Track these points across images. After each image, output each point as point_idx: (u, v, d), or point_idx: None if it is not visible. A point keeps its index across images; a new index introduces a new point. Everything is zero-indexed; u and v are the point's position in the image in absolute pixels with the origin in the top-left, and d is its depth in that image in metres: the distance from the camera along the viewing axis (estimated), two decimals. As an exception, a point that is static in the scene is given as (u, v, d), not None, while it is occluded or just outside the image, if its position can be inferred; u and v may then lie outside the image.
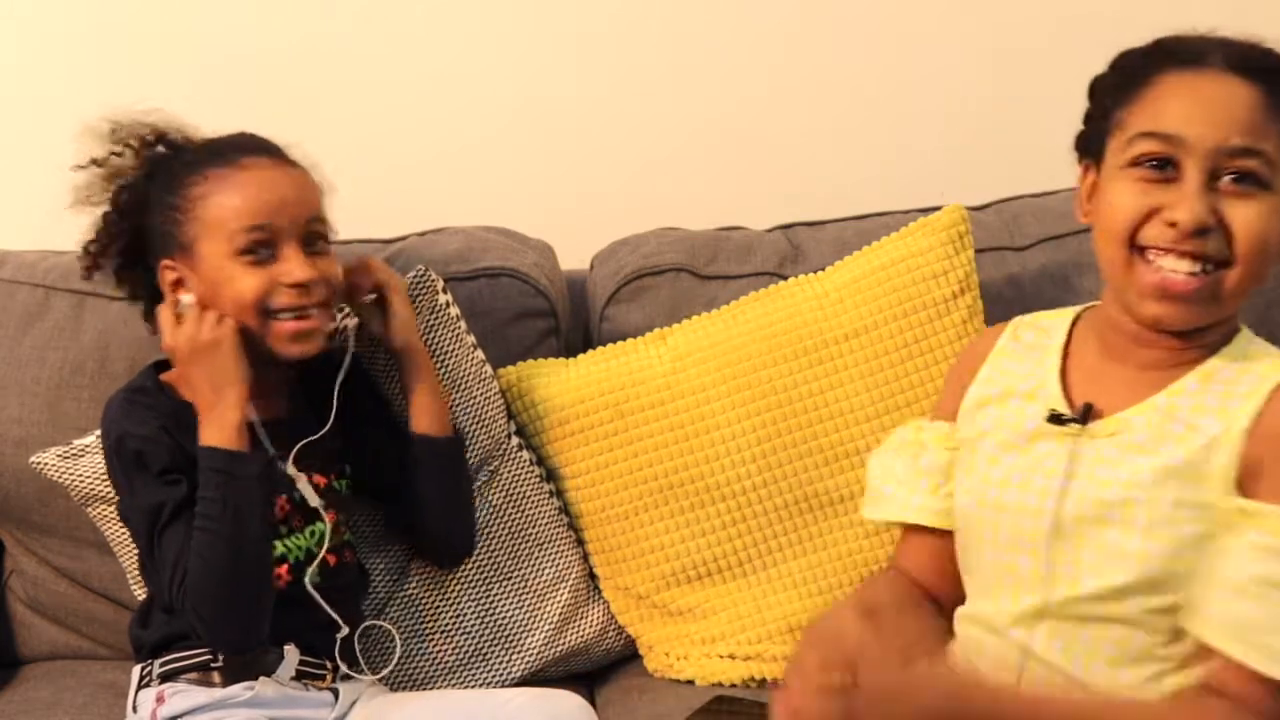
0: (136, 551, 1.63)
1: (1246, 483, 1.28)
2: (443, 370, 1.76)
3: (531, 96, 2.15)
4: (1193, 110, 1.30)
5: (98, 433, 1.67)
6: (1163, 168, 1.31)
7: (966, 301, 1.77)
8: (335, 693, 1.58)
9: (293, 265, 1.54)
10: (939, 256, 1.77)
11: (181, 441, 1.53)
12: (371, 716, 1.58)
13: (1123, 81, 1.38)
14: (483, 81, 2.15)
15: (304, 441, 1.60)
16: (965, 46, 2.18)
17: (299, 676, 1.56)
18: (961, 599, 1.48)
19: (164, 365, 1.64)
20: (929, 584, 1.52)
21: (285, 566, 1.57)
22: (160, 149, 1.64)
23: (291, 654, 1.56)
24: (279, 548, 1.57)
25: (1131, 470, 1.32)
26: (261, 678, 1.53)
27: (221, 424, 1.51)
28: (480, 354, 1.80)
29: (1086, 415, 1.36)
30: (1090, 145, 1.42)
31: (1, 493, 1.81)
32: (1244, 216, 1.29)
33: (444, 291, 1.78)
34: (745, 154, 2.18)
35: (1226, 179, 1.29)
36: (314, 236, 1.58)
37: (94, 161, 1.63)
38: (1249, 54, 1.33)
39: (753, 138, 2.18)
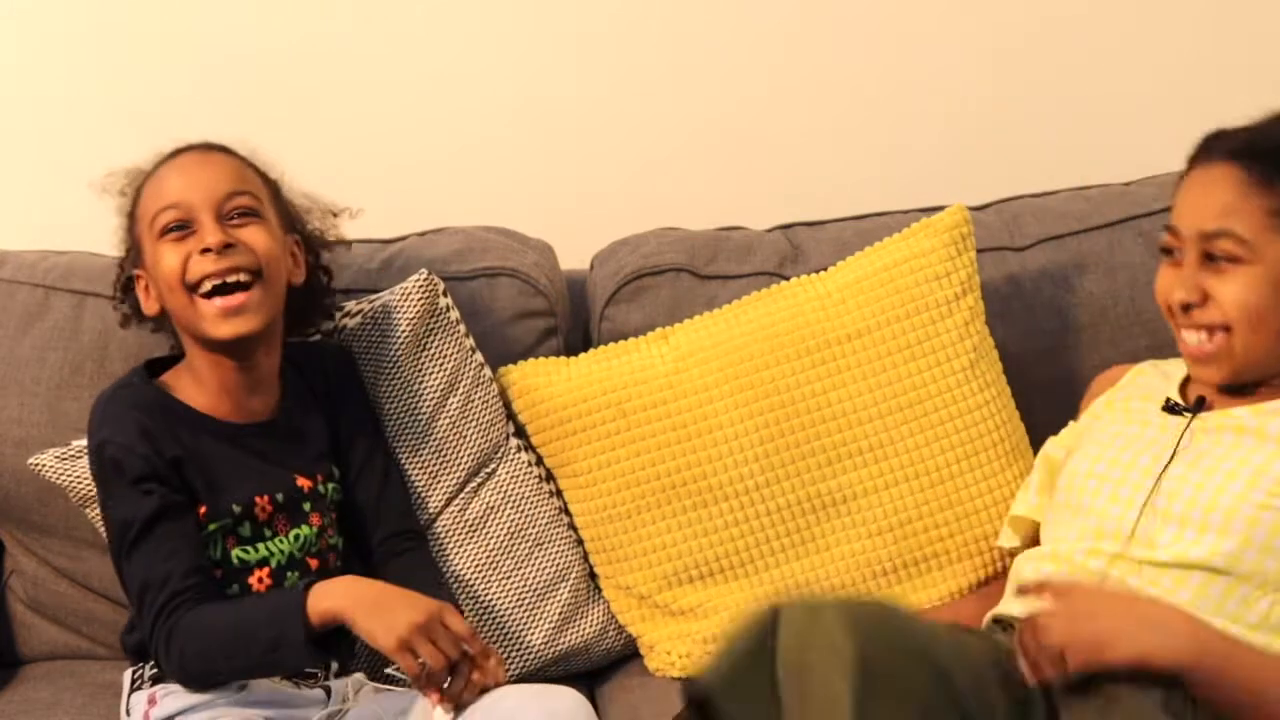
0: None
1: None
2: (441, 374, 1.76)
3: (531, 96, 2.15)
4: (1188, 202, 1.52)
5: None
6: (1172, 254, 1.53)
7: (969, 303, 1.77)
8: (327, 690, 1.58)
9: (204, 232, 1.55)
10: (941, 258, 1.77)
11: (161, 445, 1.54)
12: (370, 712, 1.58)
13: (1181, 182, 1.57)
14: (483, 81, 2.15)
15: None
16: (965, 46, 2.18)
17: (288, 676, 1.56)
18: None
19: (157, 364, 1.65)
20: None
21: (266, 570, 1.58)
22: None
23: None
24: (260, 550, 1.58)
25: (1233, 464, 1.46)
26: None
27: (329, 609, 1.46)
28: (479, 357, 1.80)
29: (1199, 406, 1.53)
30: None
31: (1, 493, 1.81)
32: (1224, 289, 1.47)
33: (444, 295, 1.78)
34: (745, 154, 2.18)
35: (1211, 259, 1.48)
36: (235, 210, 1.58)
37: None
38: (1247, 136, 1.51)
39: (753, 138, 2.17)
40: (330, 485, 1.67)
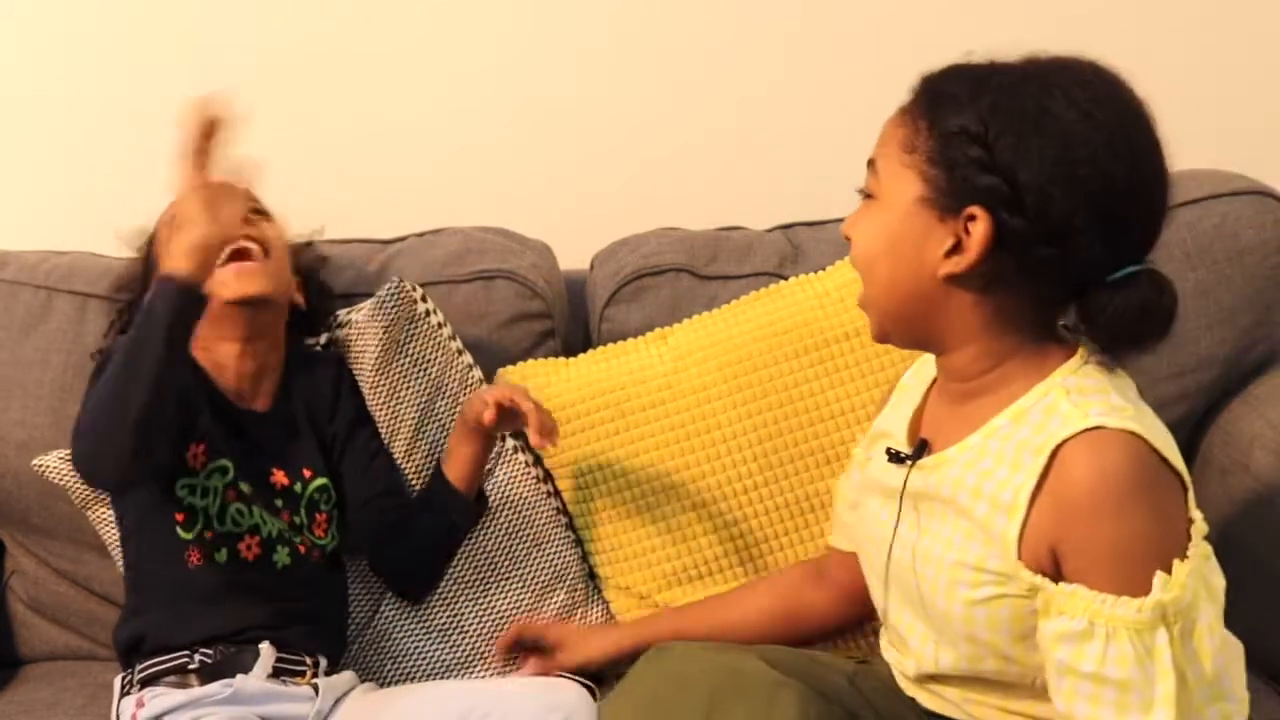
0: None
1: (1047, 554, 1.24)
2: (424, 378, 1.76)
3: (531, 96, 2.15)
4: None
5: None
6: None
7: (967, 301, 1.77)
8: (316, 688, 1.58)
9: None
10: (939, 256, 1.78)
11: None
12: (364, 709, 1.58)
13: None
14: (482, 82, 2.15)
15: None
16: (965, 46, 2.17)
17: (277, 674, 1.56)
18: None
19: None
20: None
21: (256, 539, 1.60)
22: None
23: (267, 651, 1.56)
24: (254, 515, 1.60)
25: (939, 546, 1.32)
26: (239, 675, 1.53)
27: (174, 254, 1.43)
28: (466, 358, 1.80)
29: (920, 451, 1.37)
30: None
31: (3, 494, 1.81)
32: (856, 228, 1.34)
33: (423, 300, 1.78)
34: (745, 154, 2.18)
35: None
36: (250, 209, 1.61)
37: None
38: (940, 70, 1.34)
39: (753, 138, 2.17)
40: (312, 485, 1.67)
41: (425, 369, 1.77)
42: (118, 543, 1.72)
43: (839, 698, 1.42)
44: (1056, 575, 1.24)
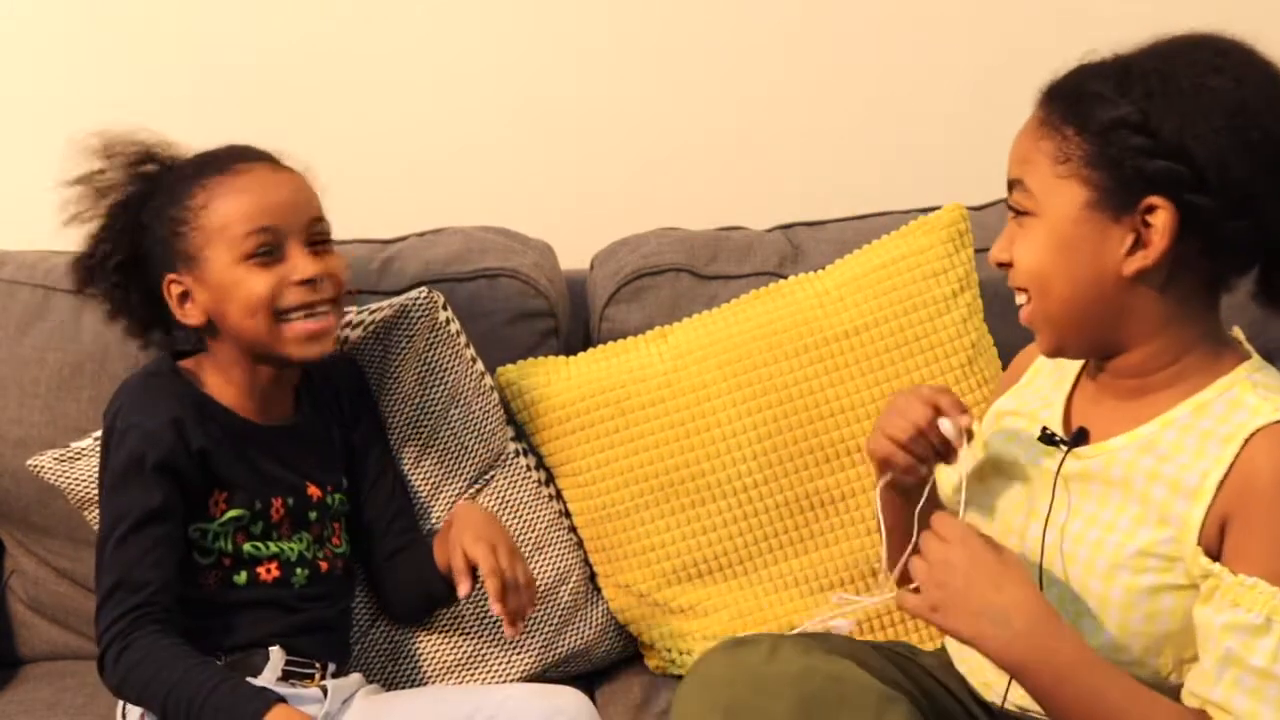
0: None
1: (1216, 540, 1.25)
2: (442, 386, 1.76)
3: (531, 96, 2.15)
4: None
5: (95, 435, 1.67)
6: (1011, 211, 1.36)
7: (966, 299, 1.78)
8: (325, 690, 1.57)
9: (300, 262, 1.54)
10: (939, 255, 1.78)
11: (190, 436, 1.53)
12: (370, 712, 1.58)
13: None
14: (482, 82, 2.15)
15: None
16: (965, 46, 2.18)
17: (286, 677, 1.56)
18: None
19: (179, 354, 1.65)
20: None
21: (275, 564, 1.58)
22: (149, 166, 1.63)
23: (277, 655, 1.56)
24: (271, 548, 1.58)
25: (1099, 531, 1.31)
26: (249, 678, 1.52)
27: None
28: (479, 366, 1.80)
29: (1078, 439, 1.36)
30: None
31: (2, 493, 1.81)
32: (1017, 247, 1.32)
33: (444, 308, 1.78)
34: (745, 154, 2.18)
35: (1011, 212, 1.33)
36: (317, 236, 1.58)
37: (80, 179, 1.63)
38: (1059, 77, 1.33)
39: (753, 138, 2.17)
40: (337, 496, 1.67)
41: (443, 377, 1.77)
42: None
43: (929, 696, 1.40)
44: (1219, 554, 1.24)
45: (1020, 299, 1.34)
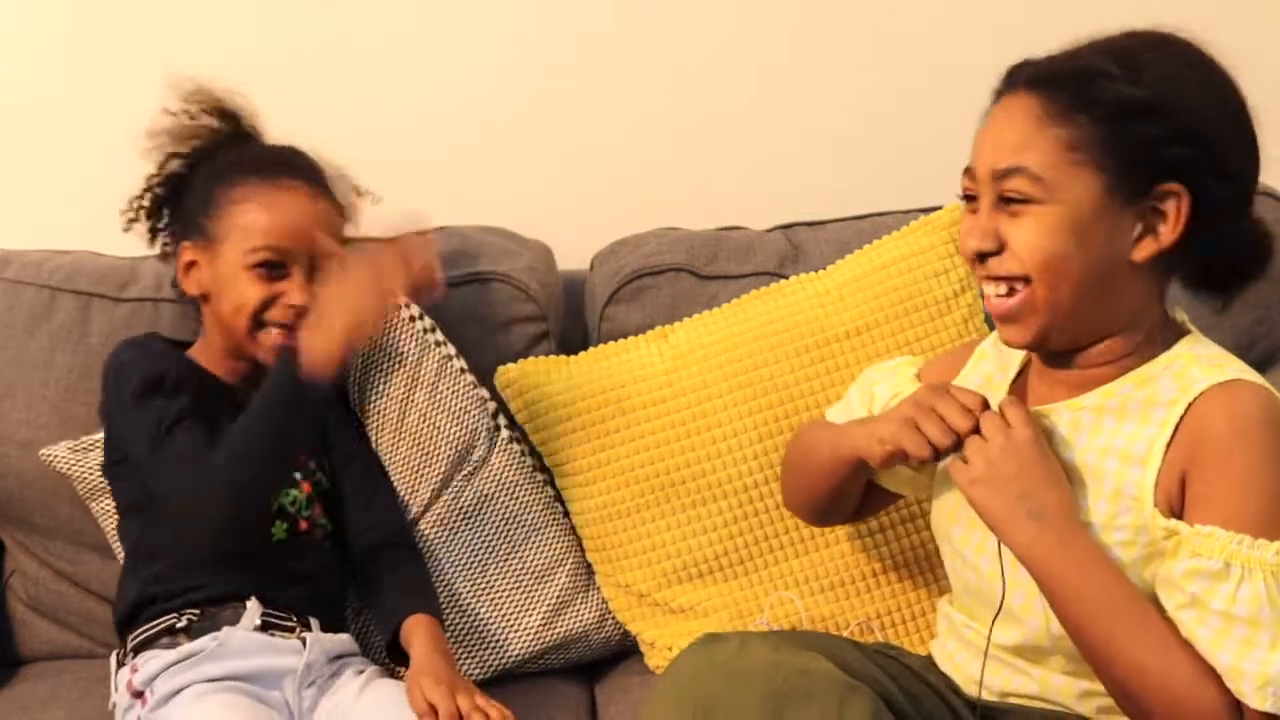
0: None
1: (1173, 496, 1.28)
2: (402, 370, 1.78)
3: (531, 96, 2.15)
4: (983, 139, 1.35)
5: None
6: (971, 200, 1.36)
7: (967, 300, 1.78)
8: (304, 642, 1.58)
9: (295, 288, 1.62)
10: (940, 255, 1.78)
11: (179, 384, 1.60)
12: (352, 700, 1.56)
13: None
14: (482, 81, 2.15)
15: None
16: (965, 46, 2.17)
17: (264, 628, 1.57)
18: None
19: (182, 345, 1.71)
20: None
21: None
22: (224, 127, 1.71)
23: (253, 606, 1.58)
24: None
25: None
26: (225, 628, 1.55)
27: (325, 348, 1.53)
28: (446, 349, 1.80)
29: None
30: None
31: (6, 494, 1.81)
32: (1017, 234, 1.30)
33: (433, 332, 1.80)
34: (745, 154, 2.17)
35: (1003, 201, 1.31)
36: (317, 265, 1.64)
37: (170, 115, 1.71)
38: (1049, 63, 1.33)
39: (753, 138, 2.17)
40: (319, 473, 1.71)
41: (400, 361, 1.78)
42: (119, 540, 1.72)
43: (912, 697, 1.41)
44: (1182, 511, 1.27)
45: (996, 288, 1.33)
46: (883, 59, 2.18)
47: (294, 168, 1.68)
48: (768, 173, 2.18)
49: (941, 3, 2.17)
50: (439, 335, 1.81)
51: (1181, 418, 1.28)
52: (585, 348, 1.86)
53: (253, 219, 1.63)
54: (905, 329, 1.76)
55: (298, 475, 1.67)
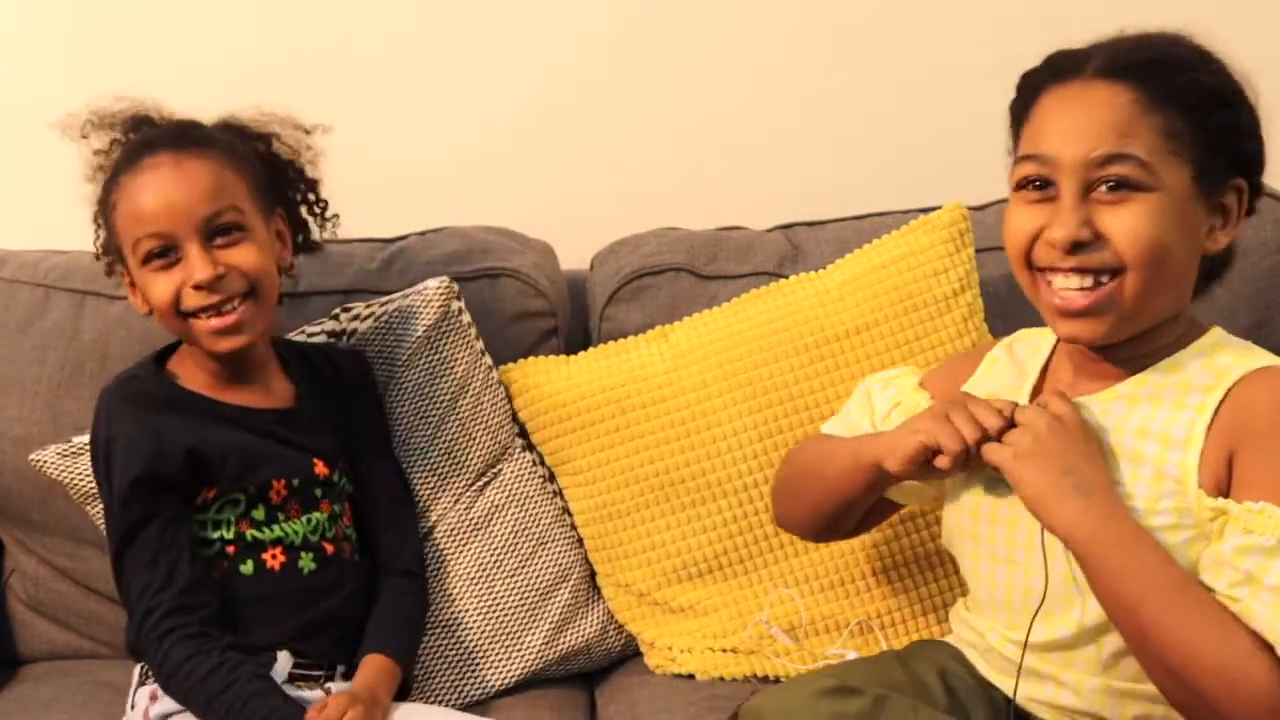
0: None
1: (1226, 481, 1.27)
2: (452, 377, 1.77)
3: (531, 96, 2.15)
4: (1064, 125, 1.31)
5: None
6: (1044, 188, 1.32)
7: (966, 299, 1.78)
8: (328, 692, 1.55)
9: (194, 265, 1.51)
10: (939, 254, 1.78)
11: (172, 439, 1.53)
12: None
13: (1019, 104, 1.41)
14: (482, 81, 2.15)
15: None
16: (965, 46, 2.18)
17: (291, 679, 1.55)
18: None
19: (168, 352, 1.64)
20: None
21: (280, 548, 1.57)
22: (125, 137, 1.61)
23: (284, 659, 1.55)
24: (275, 531, 1.57)
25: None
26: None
27: None
28: (488, 359, 1.81)
29: None
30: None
31: (2, 491, 1.81)
32: (1120, 223, 1.28)
33: (458, 298, 1.79)
34: (745, 154, 2.18)
35: (1101, 189, 1.29)
36: (220, 229, 1.53)
37: (95, 152, 1.63)
38: (1124, 53, 1.32)
39: (753, 138, 2.17)
40: (344, 478, 1.66)
41: (453, 367, 1.77)
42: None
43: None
44: (1229, 491, 1.26)
45: (1082, 281, 1.30)
46: (883, 59, 2.18)
47: (149, 143, 1.56)
48: (768, 173, 2.18)
49: (941, 3, 2.17)
50: (482, 345, 1.81)
51: (1221, 401, 1.28)
52: (585, 347, 1.86)
53: (126, 215, 1.53)
54: (905, 328, 1.76)
55: (317, 493, 1.61)
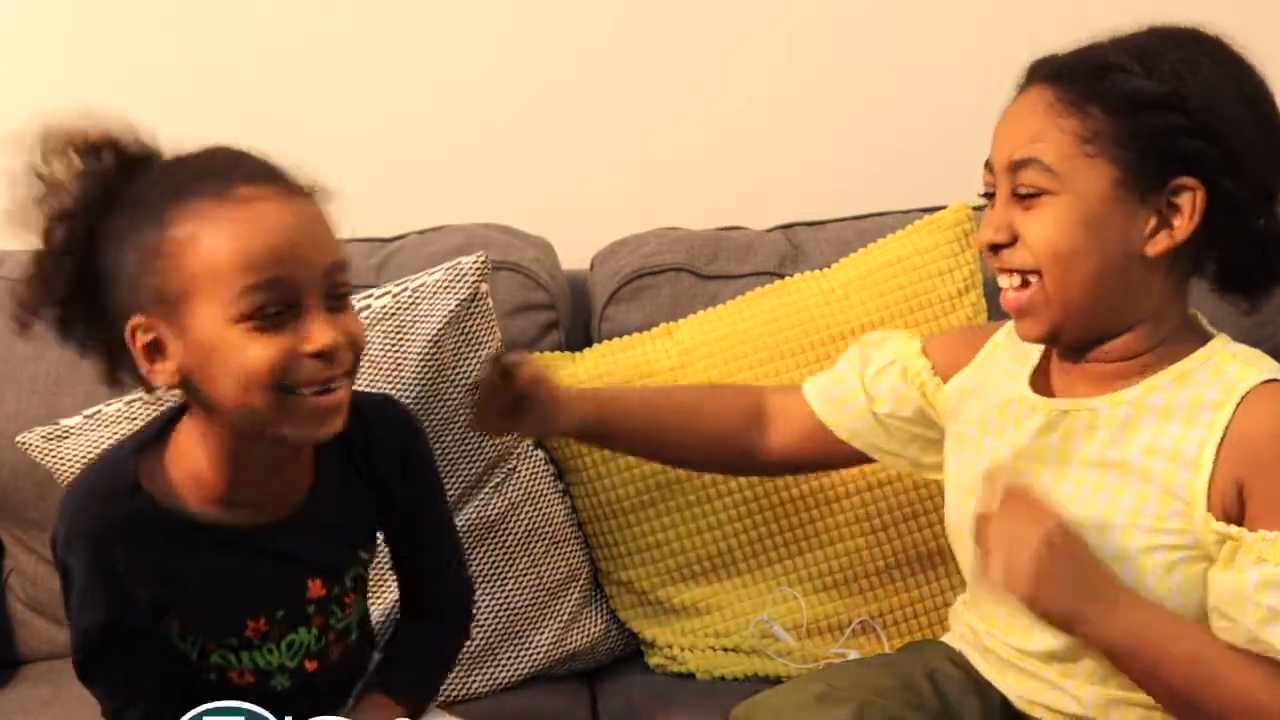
0: None
1: (1235, 505, 1.26)
2: (474, 358, 1.72)
3: (532, 95, 2.15)
4: (999, 131, 1.34)
5: (85, 413, 1.69)
6: (991, 195, 1.35)
7: (971, 299, 1.78)
8: None
9: (315, 329, 1.19)
10: (944, 254, 1.78)
11: (134, 577, 1.26)
12: None
13: None
14: (482, 81, 2.15)
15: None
16: (966, 46, 2.18)
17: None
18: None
19: (157, 433, 1.32)
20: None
21: (250, 670, 1.35)
22: (107, 162, 1.26)
23: None
24: (245, 659, 1.35)
25: (1104, 502, 1.31)
26: None
27: None
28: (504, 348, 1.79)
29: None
30: None
31: (0, 487, 1.81)
32: (1028, 225, 1.30)
33: (486, 281, 1.75)
34: (745, 154, 2.18)
35: (1020, 191, 1.30)
36: (336, 288, 1.22)
37: (39, 176, 1.26)
38: (1064, 57, 1.33)
39: (753, 138, 2.18)
40: (356, 569, 1.40)
41: (476, 349, 1.73)
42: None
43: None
44: (1241, 520, 1.25)
45: (1010, 281, 1.32)
46: (883, 59, 2.18)
47: (245, 172, 1.22)
48: (768, 173, 2.18)
49: (942, 3, 2.17)
50: (499, 332, 1.77)
51: (1229, 420, 1.27)
52: (586, 346, 1.86)
53: (220, 254, 1.17)
54: (909, 327, 1.76)
55: (308, 610, 1.35)
